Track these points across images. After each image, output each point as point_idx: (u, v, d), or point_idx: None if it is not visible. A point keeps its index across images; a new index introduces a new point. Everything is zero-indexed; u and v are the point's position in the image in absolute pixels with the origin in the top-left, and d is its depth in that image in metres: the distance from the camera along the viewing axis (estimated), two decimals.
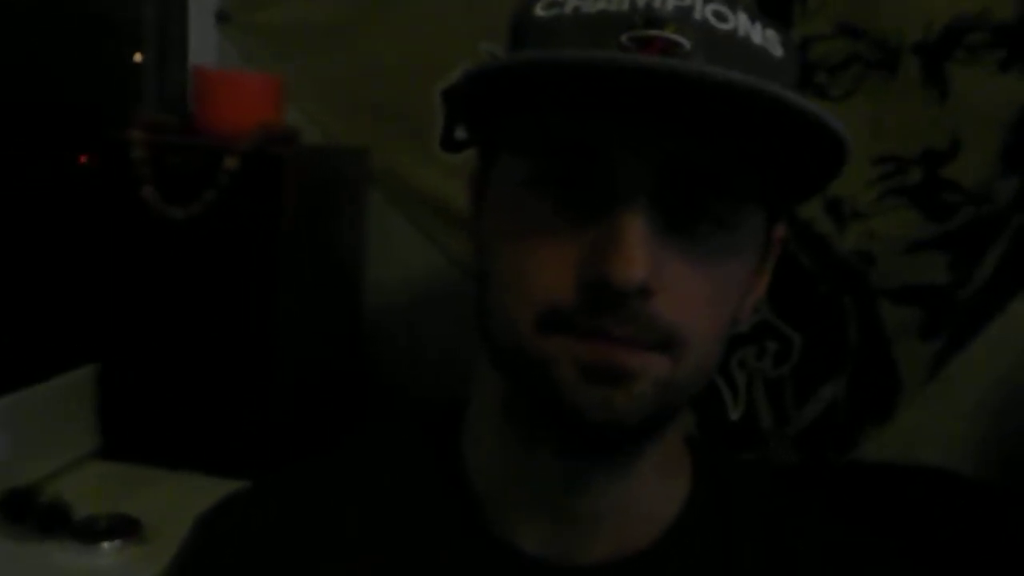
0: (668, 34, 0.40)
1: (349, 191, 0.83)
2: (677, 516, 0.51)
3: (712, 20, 0.42)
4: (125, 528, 0.60)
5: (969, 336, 0.81)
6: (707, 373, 0.46)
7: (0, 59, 0.70)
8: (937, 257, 0.81)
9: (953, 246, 0.81)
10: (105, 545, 0.59)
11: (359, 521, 0.52)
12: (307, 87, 0.89)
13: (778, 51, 0.44)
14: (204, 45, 0.88)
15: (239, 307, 0.68)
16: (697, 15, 0.42)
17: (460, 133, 0.85)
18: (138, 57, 0.83)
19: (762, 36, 0.44)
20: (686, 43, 0.40)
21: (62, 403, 0.70)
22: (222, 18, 0.90)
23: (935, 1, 0.78)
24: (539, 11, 0.44)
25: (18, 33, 0.71)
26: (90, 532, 0.59)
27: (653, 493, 0.50)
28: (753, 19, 0.43)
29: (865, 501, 0.82)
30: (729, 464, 0.58)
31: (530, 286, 0.42)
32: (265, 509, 0.53)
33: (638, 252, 0.40)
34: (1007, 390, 0.81)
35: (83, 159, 0.75)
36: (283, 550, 0.51)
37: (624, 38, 0.41)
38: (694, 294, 0.43)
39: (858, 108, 0.82)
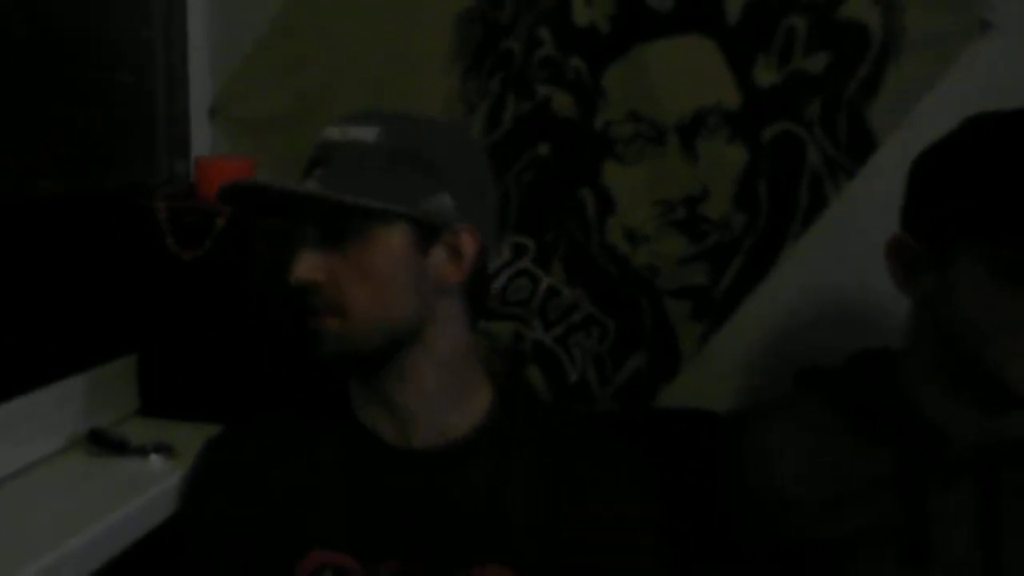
0: (315, 153, 0.80)
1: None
2: (481, 419, 0.87)
3: (340, 137, 0.80)
4: (164, 448, 0.94)
5: (723, 320, 1.14)
6: (378, 325, 0.80)
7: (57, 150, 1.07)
8: (699, 267, 1.13)
9: (708, 259, 1.13)
10: (153, 457, 0.93)
11: (295, 437, 0.88)
12: (272, 161, 1.20)
13: (371, 137, 0.80)
14: (201, 133, 1.25)
15: (227, 314, 1.03)
16: (332, 136, 0.81)
17: None
18: None
19: (364, 132, 0.80)
20: (323, 155, 0.80)
21: (117, 377, 1.06)
22: (212, 113, 1.25)
23: (686, 96, 1.10)
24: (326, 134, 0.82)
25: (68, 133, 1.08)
26: (143, 451, 0.95)
27: (451, 402, 0.85)
28: (364, 124, 0.80)
29: (659, 434, 1.18)
30: (520, 389, 0.95)
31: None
32: (246, 434, 0.90)
33: (299, 265, 0.78)
34: (748, 356, 1.19)
35: None
36: (256, 457, 0.88)
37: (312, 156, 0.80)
38: (350, 278, 0.79)
39: (643, 169, 1.13)
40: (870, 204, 1.10)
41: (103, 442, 0.96)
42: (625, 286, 1.17)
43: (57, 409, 0.97)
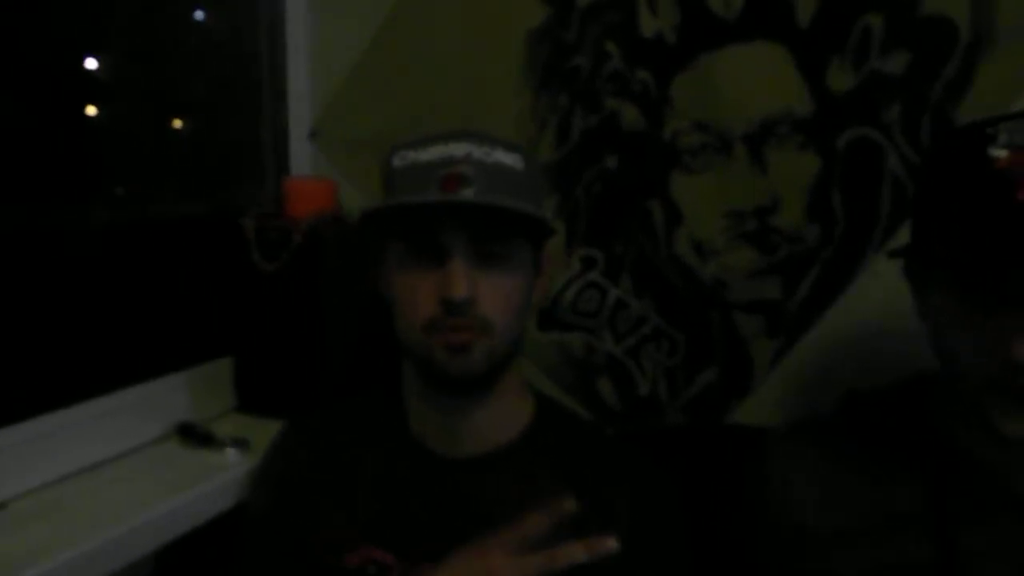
0: (460, 170, 0.81)
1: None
2: (522, 429, 0.91)
3: (483, 157, 0.82)
4: (241, 443, 1.05)
5: (798, 336, 1.10)
6: (515, 341, 0.85)
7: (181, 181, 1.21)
8: (771, 280, 1.09)
9: (781, 272, 1.09)
10: (230, 450, 1.03)
11: (351, 437, 0.95)
12: (367, 180, 1.27)
13: (520, 165, 0.83)
14: (302, 154, 1.36)
15: (303, 320, 1.13)
16: (475, 156, 0.81)
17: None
18: None
19: (511, 159, 0.83)
20: (470, 172, 0.80)
21: (216, 376, 1.18)
22: (312, 135, 1.34)
23: (754, 104, 1.07)
24: (396, 162, 0.86)
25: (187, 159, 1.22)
26: (222, 444, 1.06)
27: (503, 414, 0.90)
28: (506, 149, 0.83)
29: (728, 450, 1.14)
30: (558, 405, 0.97)
31: (416, 308, 0.84)
32: (309, 427, 0.98)
33: (462, 281, 0.80)
34: (826, 373, 1.12)
35: None
36: (315, 452, 0.95)
37: (440, 174, 0.81)
38: (496, 298, 0.82)
39: (711, 179, 1.10)
40: None
41: (191, 434, 1.07)
42: (693, 299, 1.15)
43: (158, 403, 1.10)
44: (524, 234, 0.84)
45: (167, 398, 1.12)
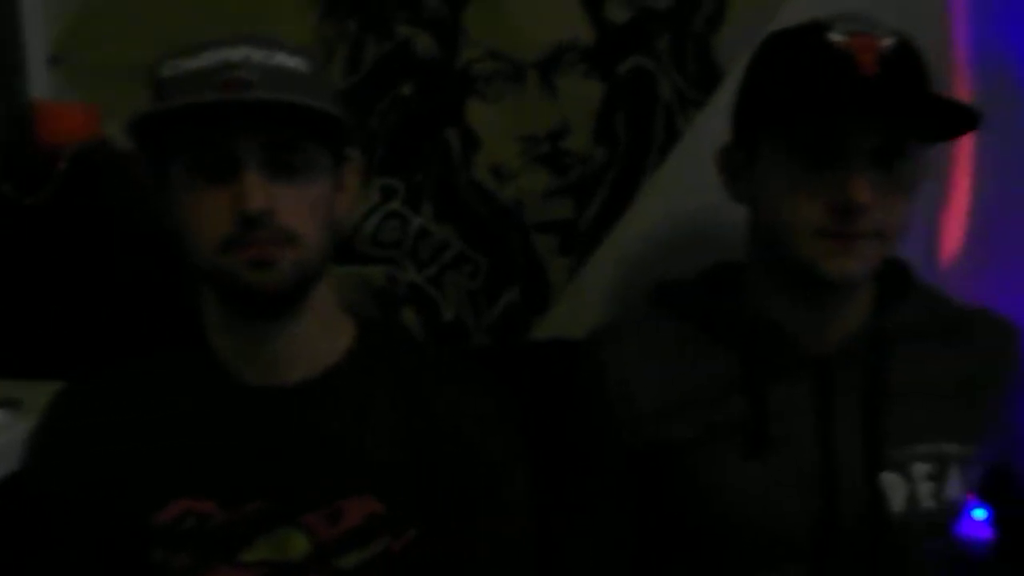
0: (239, 75, 0.73)
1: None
2: (343, 355, 0.86)
3: (263, 60, 0.75)
4: (12, 403, 0.90)
5: (589, 252, 1.18)
6: (323, 256, 0.79)
7: None
8: (564, 201, 1.16)
9: (572, 193, 1.16)
10: None
11: (149, 388, 0.84)
12: (126, 111, 1.19)
13: (305, 67, 0.78)
14: (41, 80, 1.18)
15: (71, 259, 0.98)
16: (254, 59, 0.74)
17: None
18: None
19: (295, 62, 0.77)
20: (252, 77, 0.73)
21: None
22: (53, 62, 1.16)
23: (542, 33, 1.13)
24: (165, 72, 0.77)
25: None
26: None
27: (318, 335, 0.83)
28: (289, 53, 0.77)
29: (534, 363, 1.21)
30: (384, 326, 0.94)
31: (208, 227, 0.75)
32: (96, 387, 0.86)
33: (257, 193, 0.72)
34: (616, 285, 1.22)
35: None
36: (108, 410, 0.84)
37: (218, 80, 0.73)
38: (298, 207, 0.75)
39: (505, 106, 1.14)
40: (718, 134, 1.15)
41: None
42: (494, 223, 1.18)
43: None
44: (321, 140, 0.78)
45: None
